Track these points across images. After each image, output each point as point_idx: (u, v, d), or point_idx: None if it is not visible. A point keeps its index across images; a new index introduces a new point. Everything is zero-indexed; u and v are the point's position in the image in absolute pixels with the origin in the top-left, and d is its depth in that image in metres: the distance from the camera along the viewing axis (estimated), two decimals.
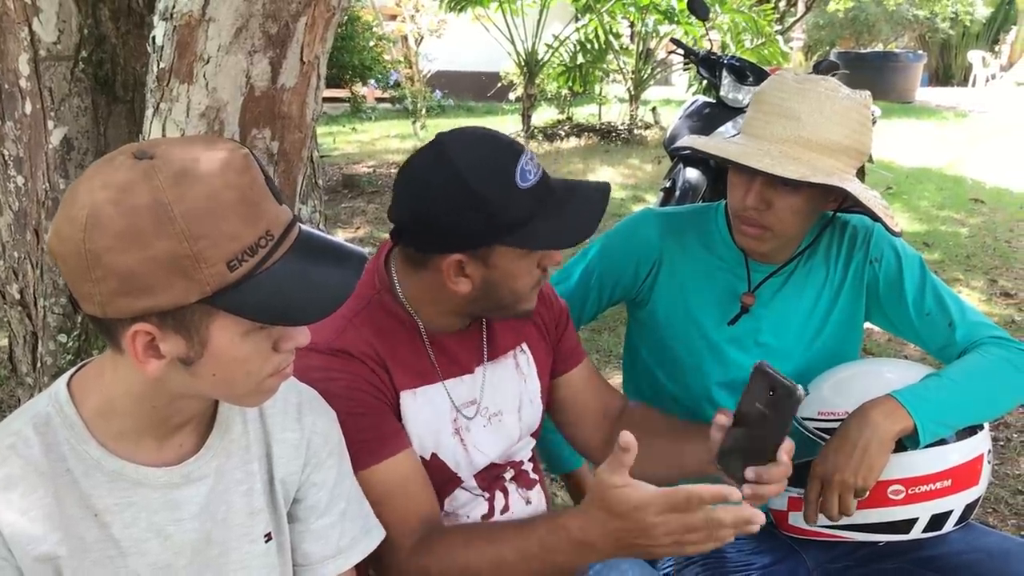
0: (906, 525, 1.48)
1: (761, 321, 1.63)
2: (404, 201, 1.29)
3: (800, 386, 1.19)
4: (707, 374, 1.65)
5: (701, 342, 1.65)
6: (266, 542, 1.13)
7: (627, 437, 1.06)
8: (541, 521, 1.23)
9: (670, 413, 1.66)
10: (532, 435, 1.55)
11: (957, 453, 1.47)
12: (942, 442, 1.46)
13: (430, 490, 1.36)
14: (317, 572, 1.19)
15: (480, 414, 1.44)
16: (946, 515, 1.48)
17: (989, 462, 1.53)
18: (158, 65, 1.47)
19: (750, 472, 1.21)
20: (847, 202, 1.54)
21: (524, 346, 1.52)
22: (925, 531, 1.48)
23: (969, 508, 1.50)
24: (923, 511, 1.47)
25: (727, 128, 4.06)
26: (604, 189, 1.35)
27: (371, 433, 1.28)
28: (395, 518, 1.27)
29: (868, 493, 1.44)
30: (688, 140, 1.61)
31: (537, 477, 1.57)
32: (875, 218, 1.49)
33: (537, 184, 1.26)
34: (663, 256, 1.67)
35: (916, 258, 1.62)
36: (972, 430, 1.50)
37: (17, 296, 1.94)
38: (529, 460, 1.56)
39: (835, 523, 1.48)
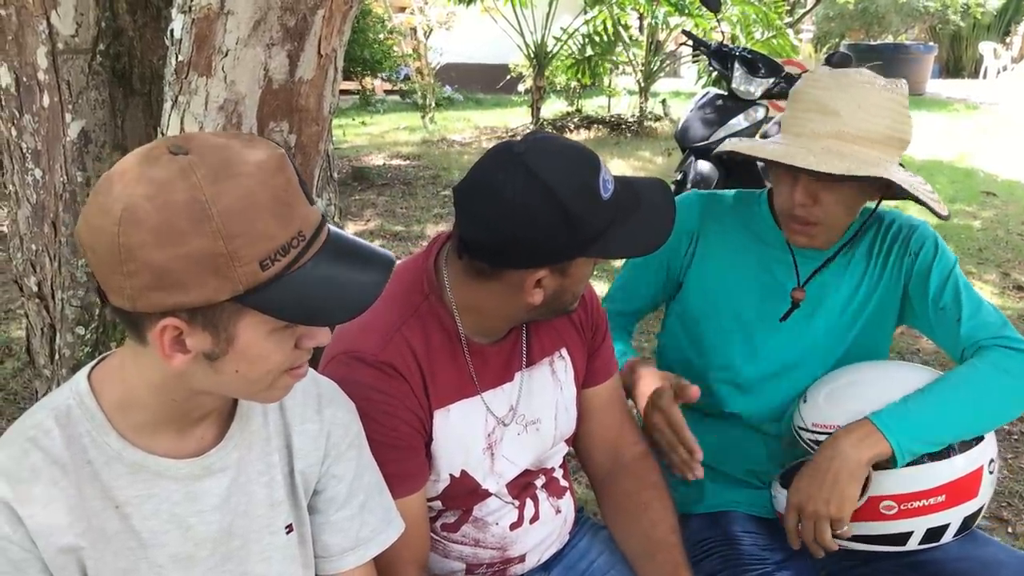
0: (901, 538, 1.47)
1: (800, 312, 1.63)
2: (488, 219, 1.21)
3: None
4: (735, 354, 1.65)
5: (734, 323, 1.65)
6: (287, 533, 1.13)
7: None
8: None
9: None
10: (566, 441, 1.54)
11: (950, 469, 1.44)
12: (937, 457, 1.44)
13: (426, 539, 1.37)
14: (337, 564, 1.20)
15: (516, 421, 1.43)
16: (943, 528, 1.46)
17: (992, 472, 1.50)
18: (176, 58, 1.48)
19: None
20: (891, 191, 1.54)
21: (563, 351, 1.50)
22: (922, 543, 1.47)
23: (969, 519, 1.48)
24: (917, 525, 1.45)
25: (739, 120, 4.06)
26: (665, 191, 1.35)
27: (393, 468, 1.28)
28: (393, 559, 1.27)
29: (846, 523, 1.43)
30: (730, 144, 1.59)
31: (567, 485, 1.57)
32: (921, 203, 1.48)
33: (614, 193, 1.25)
34: (700, 233, 1.69)
35: (951, 258, 1.60)
36: (973, 441, 1.47)
37: (35, 288, 1.95)
38: (560, 467, 1.56)
39: (833, 533, 1.48)
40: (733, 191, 1.77)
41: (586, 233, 1.22)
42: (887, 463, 1.43)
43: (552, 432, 1.48)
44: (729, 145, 1.59)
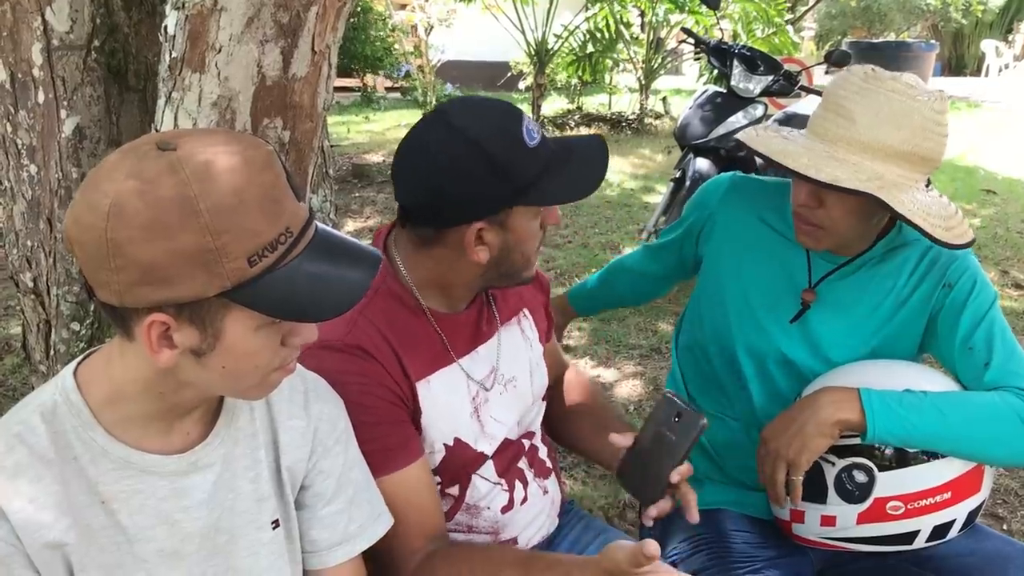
0: (908, 537, 1.47)
1: (813, 312, 1.61)
2: (419, 179, 1.27)
3: (706, 419, 1.30)
4: (739, 339, 1.65)
5: (748, 317, 1.64)
6: (273, 529, 1.14)
7: (652, 549, 1.08)
8: (544, 561, 1.27)
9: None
10: (543, 399, 1.59)
11: (956, 466, 1.44)
12: (940, 455, 1.43)
13: (437, 505, 1.37)
14: (325, 559, 1.20)
15: (498, 382, 1.46)
16: (949, 524, 1.46)
17: (991, 464, 1.51)
18: (170, 54, 1.48)
19: (663, 506, 1.35)
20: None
21: (525, 311, 1.56)
22: (928, 540, 1.47)
23: (973, 514, 1.49)
24: (924, 523, 1.45)
25: (738, 118, 4.06)
26: (600, 141, 1.37)
27: (380, 443, 1.29)
28: (399, 532, 1.28)
29: (802, 473, 1.44)
30: (741, 135, 1.57)
31: (552, 466, 1.60)
32: (920, 230, 1.39)
33: (541, 142, 1.29)
34: (715, 216, 1.70)
35: (990, 295, 1.52)
36: None
37: (31, 284, 1.95)
38: (543, 443, 1.59)
39: (838, 536, 1.49)
40: (776, 179, 1.73)
41: (516, 181, 1.25)
42: (899, 463, 1.43)
43: (529, 388, 1.52)
44: (742, 135, 1.56)
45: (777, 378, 1.63)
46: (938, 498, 1.44)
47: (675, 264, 1.87)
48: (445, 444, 1.39)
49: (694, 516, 1.34)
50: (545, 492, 1.55)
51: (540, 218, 1.34)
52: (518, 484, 1.50)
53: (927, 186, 1.48)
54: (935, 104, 1.42)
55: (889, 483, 1.43)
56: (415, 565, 1.30)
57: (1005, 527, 2.62)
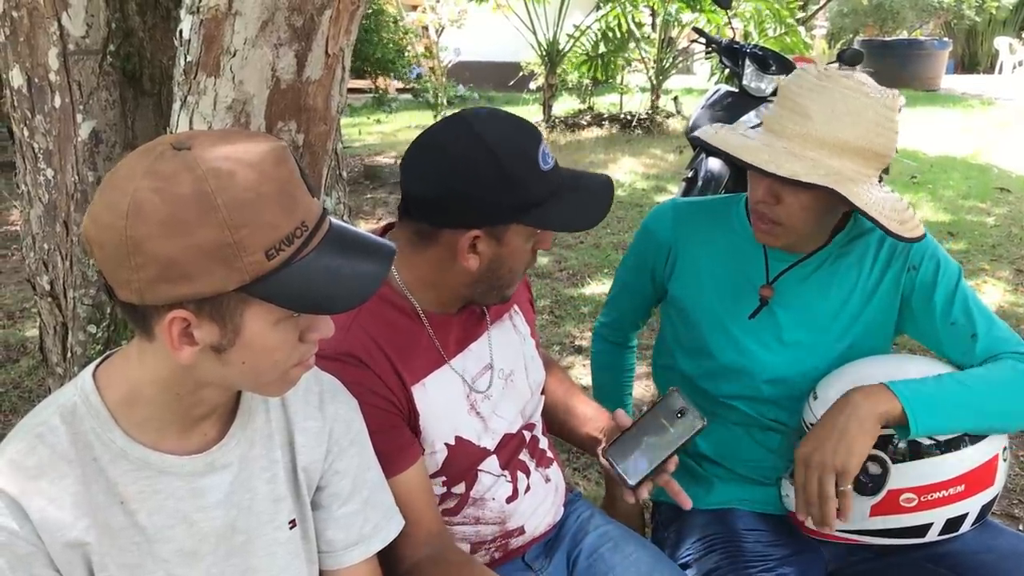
0: (921, 530, 1.47)
1: (781, 315, 1.62)
2: (429, 174, 1.29)
3: (706, 420, 1.38)
4: (720, 360, 1.65)
5: (717, 327, 1.66)
6: (290, 529, 1.15)
7: None
8: None
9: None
10: (541, 392, 1.62)
11: (969, 458, 1.45)
12: (953, 448, 1.44)
13: (432, 510, 1.38)
14: (341, 559, 1.21)
15: (497, 376, 1.48)
16: (961, 518, 1.47)
17: (1005, 459, 1.51)
18: (185, 58, 1.49)
19: (643, 491, 1.39)
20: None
21: (516, 307, 1.59)
22: (941, 534, 1.48)
23: (985, 508, 1.49)
24: (937, 516, 1.46)
25: (749, 117, 4.04)
26: (608, 181, 1.39)
27: (382, 447, 1.29)
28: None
29: (851, 480, 1.42)
30: (700, 132, 1.59)
31: (553, 456, 1.62)
32: (876, 223, 1.41)
33: (553, 168, 1.31)
34: (676, 245, 1.70)
35: (955, 269, 1.57)
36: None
37: (47, 287, 1.97)
38: (543, 435, 1.61)
39: (851, 529, 1.49)
40: (713, 197, 1.78)
41: (522, 198, 1.27)
42: (913, 454, 1.43)
43: (525, 381, 1.55)
44: (700, 133, 1.59)
45: (771, 393, 1.64)
46: (951, 491, 1.44)
47: (649, 304, 1.86)
48: (446, 443, 1.40)
49: (687, 502, 1.41)
50: (548, 480, 1.58)
51: (534, 241, 1.36)
52: (521, 475, 1.52)
53: (880, 182, 1.50)
54: (887, 101, 1.45)
55: (903, 475, 1.44)
56: (404, 569, 1.33)
57: (1021, 527, 2.60)
